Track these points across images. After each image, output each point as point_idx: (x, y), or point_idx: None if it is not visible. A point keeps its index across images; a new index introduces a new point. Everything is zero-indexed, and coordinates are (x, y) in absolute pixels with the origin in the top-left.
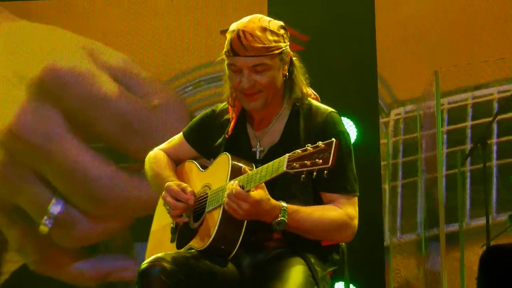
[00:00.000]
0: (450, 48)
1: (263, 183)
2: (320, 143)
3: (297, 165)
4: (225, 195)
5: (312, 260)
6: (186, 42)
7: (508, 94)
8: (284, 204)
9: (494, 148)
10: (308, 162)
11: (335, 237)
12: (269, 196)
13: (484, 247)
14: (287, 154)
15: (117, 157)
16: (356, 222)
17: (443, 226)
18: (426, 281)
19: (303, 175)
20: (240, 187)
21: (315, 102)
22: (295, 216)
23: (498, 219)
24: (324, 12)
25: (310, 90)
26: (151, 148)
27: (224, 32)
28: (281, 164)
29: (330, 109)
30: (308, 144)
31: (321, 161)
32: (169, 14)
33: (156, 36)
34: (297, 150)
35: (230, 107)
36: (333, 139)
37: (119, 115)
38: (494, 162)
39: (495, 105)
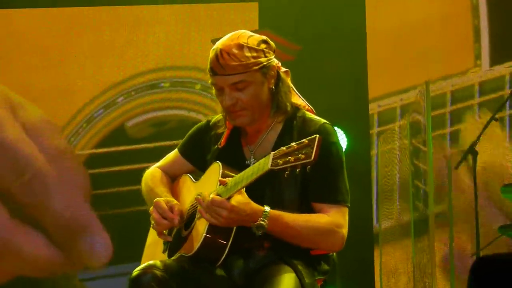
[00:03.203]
0: (441, 57)
1: (243, 189)
2: (304, 140)
3: (281, 162)
4: (202, 204)
5: (300, 267)
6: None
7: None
8: (267, 208)
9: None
10: (291, 158)
11: (321, 244)
12: (249, 200)
13: (474, 257)
14: (272, 152)
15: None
16: (344, 231)
17: (432, 227)
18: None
19: (286, 172)
20: (218, 195)
21: (309, 114)
22: (278, 221)
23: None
24: (315, 21)
25: (304, 102)
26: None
27: (214, 41)
28: (266, 162)
29: (324, 120)
30: (293, 142)
31: (303, 156)
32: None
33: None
34: (282, 148)
35: (224, 119)
36: (316, 134)
37: (16, 164)
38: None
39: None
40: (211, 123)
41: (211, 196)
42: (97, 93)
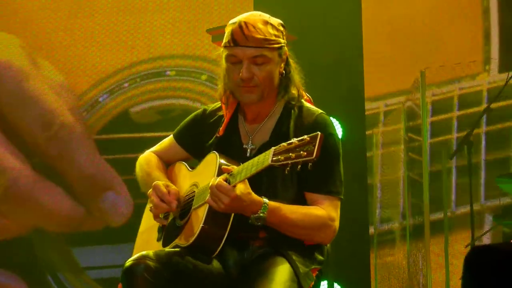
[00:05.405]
0: (436, 46)
1: (246, 179)
2: (305, 136)
3: (282, 158)
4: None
5: (294, 257)
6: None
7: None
8: (266, 200)
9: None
10: (292, 155)
11: (315, 237)
12: (250, 191)
13: (469, 247)
14: (273, 148)
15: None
16: (336, 224)
17: (427, 218)
18: (410, 274)
19: (287, 168)
20: (226, 181)
21: (307, 104)
22: (277, 213)
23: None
24: (310, 10)
25: (303, 93)
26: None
27: (210, 30)
28: (266, 157)
29: (320, 110)
30: (294, 138)
31: (305, 153)
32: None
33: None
34: (283, 143)
35: (223, 105)
36: (318, 132)
37: (44, 116)
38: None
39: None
40: (207, 111)
41: (218, 179)
42: (102, 77)
